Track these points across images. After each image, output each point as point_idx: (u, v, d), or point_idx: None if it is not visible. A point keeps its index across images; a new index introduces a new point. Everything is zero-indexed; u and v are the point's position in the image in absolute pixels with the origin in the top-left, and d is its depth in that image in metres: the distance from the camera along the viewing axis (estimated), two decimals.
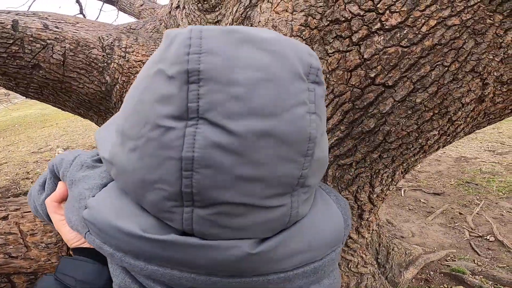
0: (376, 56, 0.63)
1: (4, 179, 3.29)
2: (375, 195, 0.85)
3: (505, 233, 2.09)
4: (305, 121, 0.30)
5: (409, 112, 0.66)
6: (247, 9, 0.92)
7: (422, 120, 0.66)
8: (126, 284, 0.35)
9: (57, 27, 1.07)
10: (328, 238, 0.37)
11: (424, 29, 0.61)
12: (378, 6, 0.65)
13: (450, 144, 0.78)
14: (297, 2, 0.79)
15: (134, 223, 0.33)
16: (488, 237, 2.06)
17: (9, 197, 2.57)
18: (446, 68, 0.60)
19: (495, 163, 3.20)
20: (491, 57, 0.60)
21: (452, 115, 0.65)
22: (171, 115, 0.28)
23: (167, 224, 0.33)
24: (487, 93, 0.62)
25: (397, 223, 2.27)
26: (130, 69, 1.06)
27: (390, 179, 0.83)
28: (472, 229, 2.16)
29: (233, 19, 0.96)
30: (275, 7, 0.83)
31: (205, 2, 1.04)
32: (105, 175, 0.40)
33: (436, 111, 0.64)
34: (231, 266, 0.32)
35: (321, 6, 0.76)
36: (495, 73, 0.61)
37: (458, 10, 0.59)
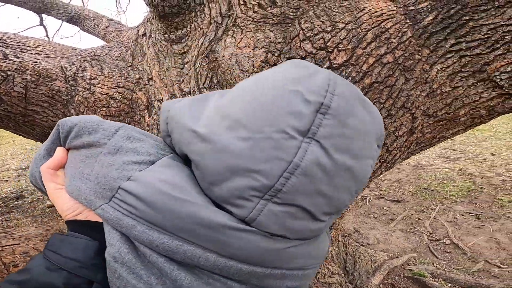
0: None
1: None
2: None
3: (459, 236, 2.32)
4: (368, 170, 0.41)
5: None
6: (212, 43, 1.01)
7: None
8: (121, 255, 0.37)
9: (17, 56, 1.07)
10: (321, 252, 0.45)
11: (364, 67, 0.74)
12: (328, 44, 0.77)
13: (390, 169, 0.92)
14: (258, 38, 0.90)
15: (197, 204, 0.37)
16: (444, 241, 2.27)
17: None
18: (382, 104, 0.73)
19: (448, 169, 3.56)
20: (418, 92, 0.74)
21: (389, 146, 0.78)
22: (297, 128, 0.35)
23: (222, 210, 0.38)
24: (416, 125, 0.76)
25: (364, 231, 2.43)
26: (96, 103, 1.08)
27: None
28: (430, 233, 2.38)
29: (198, 51, 1.04)
30: (238, 42, 0.93)
31: (171, 33, 1.10)
32: (153, 152, 0.42)
33: None
34: (265, 254, 0.38)
35: (280, 43, 0.87)
36: (422, 108, 0.75)
37: (393, 47, 0.73)
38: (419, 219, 2.61)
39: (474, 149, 4.31)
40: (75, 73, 1.10)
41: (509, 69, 0.66)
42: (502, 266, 1.96)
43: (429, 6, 0.74)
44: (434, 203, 2.82)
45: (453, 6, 0.71)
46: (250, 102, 0.38)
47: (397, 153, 0.82)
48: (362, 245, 2.19)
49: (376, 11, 0.78)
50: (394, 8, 0.79)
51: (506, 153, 4.12)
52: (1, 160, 5.35)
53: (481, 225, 2.47)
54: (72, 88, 1.06)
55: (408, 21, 0.75)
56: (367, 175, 0.41)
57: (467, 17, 0.69)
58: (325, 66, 0.75)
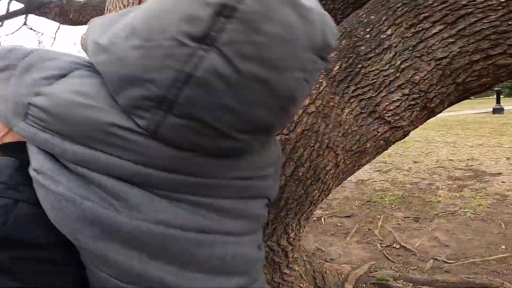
0: None
1: None
2: (291, 239, 1.15)
3: (405, 239, 2.65)
4: (297, 84, 0.37)
5: (297, 182, 1.00)
6: None
7: (306, 186, 1.01)
8: (43, 167, 0.38)
9: None
10: (268, 160, 0.47)
11: (296, 117, 0.97)
12: None
13: (328, 195, 1.16)
14: None
15: (104, 110, 0.37)
16: (394, 245, 2.59)
17: None
18: (312, 147, 0.96)
19: (384, 180, 4.10)
20: (336, 133, 0.99)
21: (322, 178, 1.01)
22: (190, 34, 0.32)
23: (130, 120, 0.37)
24: (339, 160, 1.01)
25: (325, 248, 2.65)
26: None
27: (298, 226, 1.15)
28: (381, 241, 2.69)
29: None
30: None
31: None
32: (65, 67, 0.42)
33: (312, 178, 1.00)
34: (179, 162, 0.39)
35: None
36: (341, 145, 1.00)
37: (314, 97, 0.98)
38: (369, 229, 2.93)
39: (400, 159, 5.05)
40: None
41: (392, 107, 0.95)
42: (449, 261, 2.27)
43: (335, 56, 1.01)
44: (378, 213, 3.21)
45: (350, 55, 0.99)
46: (150, 9, 0.36)
47: (331, 183, 1.06)
48: (326, 261, 2.38)
49: None
50: None
51: (425, 159, 4.92)
52: None
53: (421, 227, 2.87)
54: None
55: (322, 71, 1.01)
56: (296, 90, 0.37)
57: (360, 65, 0.97)
58: None
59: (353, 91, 0.97)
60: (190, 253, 0.41)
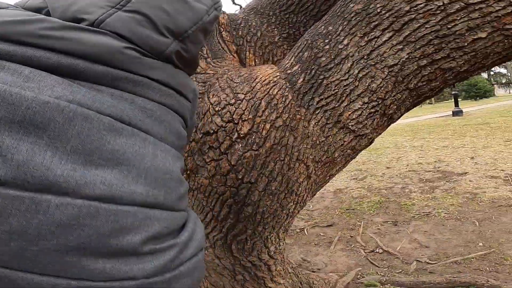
0: (239, 162, 0.96)
1: None
2: (272, 252, 1.13)
3: (387, 243, 2.70)
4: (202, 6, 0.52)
5: (271, 196, 0.99)
6: None
7: (280, 200, 1.01)
8: None
9: None
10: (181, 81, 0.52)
11: (264, 133, 0.98)
12: (233, 116, 0.99)
13: (304, 206, 1.17)
14: None
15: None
16: (377, 250, 2.62)
17: None
18: (283, 161, 0.97)
19: (360, 188, 4.20)
20: (305, 146, 1.01)
21: (296, 191, 1.02)
22: None
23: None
24: (310, 171, 1.03)
25: (311, 259, 2.63)
26: None
27: (277, 239, 1.14)
28: (364, 247, 2.72)
29: None
30: None
31: None
32: None
33: (286, 192, 1.01)
34: (116, 55, 0.40)
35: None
36: (310, 157, 1.02)
37: (280, 111, 0.99)
38: (351, 236, 2.96)
39: (374, 166, 5.22)
40: None
41: (354, 116, 0.99)
42: (431, 262, 2.32)
43: (299, 69, 1.04)
44: (358, 220, 3.26)
45: (312, 67, 1.02)
46: None
47: (304, 194, 1.07)
48: (313, 271, 2.35)
49: (265, 79, 1.06)
50: (277, 74, 1.08)
51: (397, 164, 5.13)
52: None
53: (400, 230, 2.95)
54: None
55: (288, 84, 1.04)
56: (202, 8, 0.49)
57: (322, 77, 1.01)
58: (234, 137, 0.97)
59: (318, 102, 1.00)
60: (104, 139, 0.36)
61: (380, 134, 1.10)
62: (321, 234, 3.10)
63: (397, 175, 4.48)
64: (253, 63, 1.39)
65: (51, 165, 0.32)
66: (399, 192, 3.83)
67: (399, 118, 1.06)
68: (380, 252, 2.60)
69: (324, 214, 3.60)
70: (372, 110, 0.98)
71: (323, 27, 1.06)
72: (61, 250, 0.32)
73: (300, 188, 1.03)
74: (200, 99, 1.09)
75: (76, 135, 0.34)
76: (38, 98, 0.33)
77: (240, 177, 0.98)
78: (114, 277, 0.35)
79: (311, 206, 4.03)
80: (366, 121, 0.99)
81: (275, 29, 1.43)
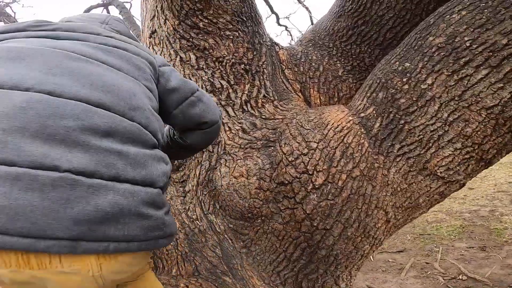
0: (314, 210, 0.93)
1: None
2: None
3: (473, 270, 2.39)
4: None
5: (346, 241, 0.95)
6: (208, 172, 1.20)
7: (356, 243, 0.95)
8: None
9: None
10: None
11: (340, 183, 0.94)
12: (308, 167, 0.97)
13: (380, 246, 1.09)
14: (249, 166, 1.10)
15: None
16: (460, 277, 2.33)
17: None
18: (360, 209, 0.92)
19: (437, 211, 3.77)
20: (384, 193, 0.94)
21: (373, 234, 0.95)
22: None
23: None
24: (390, 216, 0.95)
25: (378, 286, 2.44)
26: None
27: (349, 276, 1.07)
28: (443, 273, 2.43)
29: (197, 181, 1.21)
30: (232, 172, 1.12)
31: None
32: None
33: (362, 236, 0.95)
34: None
35: (268, 169, 1.07)
36: (390, 203, 0.94)
37: (357, 160, 0.94)
38: (427, 263, 2.68)
39: None
40: None
41: (444, 163, 0.88)
42: None
43: (374, 112, 0.98)
44: (435, 245, 2.92)
45: (390, 110, 0.94)
46: None
47: (381, 236, 0.99)
48: None
49: (338, 125, 1.02)
50: (350, 118, 1.03)
51: (482, 184, 4.48)
52: None
53: (489, 256, 2.58)
54: None
55: (362, 129, 0.98)
56: None
57: (402, 121, 0.93)
58: (309, 188, 0.95)
59: (398, 149, 0.92)
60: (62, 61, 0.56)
61: (474, 177, 0.96)
62: (390, 260, 2.86)
63: (482, 197, 3.92)
64: (318, 101, 1.35)
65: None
66: (486, 215, 3.34)
67: (498, 160, 0.92)
68: (463, 279, 2.31)
69: (393, 240, 3.32)
70: (467, 156, 0.86)
71: (397, 63, 0.98)
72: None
73: (377, 232, 0.96)
74: (272, 148, 1.10)
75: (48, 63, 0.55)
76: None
77: (315, 224, 0.95)
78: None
79: None
80: (458, 168, 0.88)
81: (338, 62, 1.37)
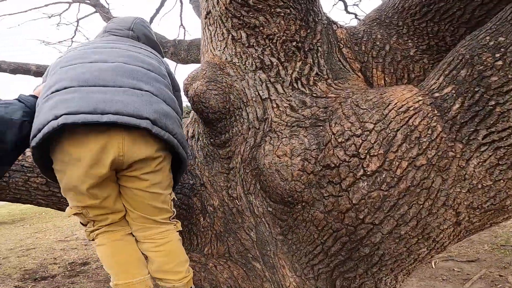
0: (362, 201, 0.78)
1: (32, 262, 3.47)
2: None
3: None
4: None
5: (397, 240, 0.77)
6: (253, 149, 1.12)
7: (409, 244, 0.77)
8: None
9: None
10: None
11: (398, 172, 0.76)
12: (359, 150, 0.82)
13: (443, 252, 0.87)
14: (294, 145, 0.99)
15: None
16: None
17: (37, 279, 2.77)
18: (421, 205, 0.73)
19: None
20: (458, 190, 0.73)
21: (434, 237, 0.76)
22: None
23: None
24: (462, 218, 0.74)
25: None
26: None
27: (394, 281, 0.89)
28: None
29: (242, 158, 1.15)
30: (276, 150, 1.02)
31: (216, 138, 1.24)
32: None
33: (420, 237, 0.76)
34: None
35: (314, 150, 0.95)
36: (465, 203, 0.74)
37: (424, 147, 0.76)
38: (500, 275, 2.26)
39: None
40: None
41: None
42: None
43: (453, 91, 0.77)
44: None
45: (476, 89, 0.73)
46: None
47: (446, 241, 0.78)
48: None
49: (402, 106, 0.83)
50: (420, 98, 0.83)
51: None
52: (71, 230, 5.97)
53: None
54: None
55: (436, 111, 0.78)
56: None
57: (493, 102, 0.70)
58: (359, 174, 0.80)
59: (485, 136, 0.70)
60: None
61: None
62: (455, 269, 2.47)
63: None
64: (383, 83, 1.15)
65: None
66: None
67: None
68: None
69: (465, 248, 2.86)
70: None
71: (488, 37, 0.75)
72: None
73: (441, 235, 0.77)
74: (321, 127, 0.96)
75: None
76: None
77: (361, 217, 0.80)
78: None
79: None
80: None
81: (409, 41, 1.14)
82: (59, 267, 3.29)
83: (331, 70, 1.15)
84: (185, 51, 3.73)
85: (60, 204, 1.25)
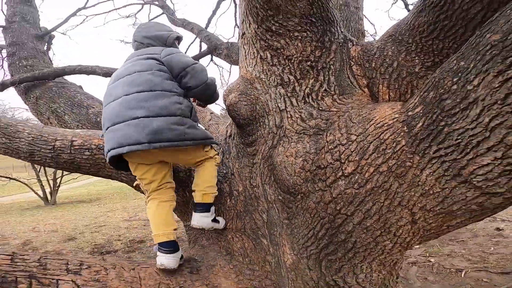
0: (340, 196, 1.04)
1: (101, 238, 4.31)
2: (360, 280, 1.14)
3: None
4: None
5: (365, 231, 1.01)
6: (270, 149, 1.44)
7: (375, 236, 1.01)
8: None
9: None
10: None
11: (367, 175, 1.00)
12: (341, 156, 1.08)
13: (409, 249, 1.06)
14: (298, 149, 1.28)
15: None
16: None
17: (103, 253, 3.43)
18: (382, 203, 0.96)
19: None
20: (413, 193, 0.94)
21: (394, 231, 0.98)
22: None
23: None
24: (417, 218, 0.95)
25: None
26: None
27: (369, 269, 1.13)
28: None
29: (262, 155, 1.48)
30: (285, 152, 1.33)
31: (246, 138, 1.59)
32: None
33: (382, 230, 0.99)
34: None
35: (312, 153, 1.22)
36: (419, 204, 0.94)
37: (387, 157, 0.98)
38: None
39: None
40: None
41: (481, 172, 0.82)
42: None
43: (421, 111, 0.96)
44: None
45: (435, 110, 0.91)
46: None
47: (407, 237, 0.99)
48: None
49: (380, 122, 1.06)
50: (396, 116, 1.05)
51: None
52: (135, 212, 7.06)
53: None
54: None
55: (405, 128, 0.99)
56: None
57: (443, 123, 0.88)
58: (339, 174, 1.06)
59: (435, 151, 0.90)
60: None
61: None
62: (484, 279, 2.41)
63: None
64: (387, 97, 1.34)
65: None
66: None
67: None
68: None
69: (506, 261, 2.69)
70: (509, 168, 0.77)
71: (455, 61, 0.92)
72: None
73: (400, 230, 0.99)
74: (320, 136, 1.23)
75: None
76: None
77: (338, 208, 1.07)
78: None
79: (492, 249, 3.10)
80: (499, 180, 0.80)
81: (416, 58, 1.30)
82: (121, 243, 3.96)
83: (339, 86, 1.39)
84: (236, 54, 4.16)
85: (132, 181, 1.75)
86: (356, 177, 1.02)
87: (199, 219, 1.43)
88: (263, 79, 1.52)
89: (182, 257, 1.41)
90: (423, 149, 0.92)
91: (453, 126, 0.86)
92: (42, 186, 9.80)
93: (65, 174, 10.48)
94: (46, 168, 10.15)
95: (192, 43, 5.65)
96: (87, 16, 5.55)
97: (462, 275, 2.59)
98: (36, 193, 9.30)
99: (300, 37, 1.41)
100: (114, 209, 8.10)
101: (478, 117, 0.81)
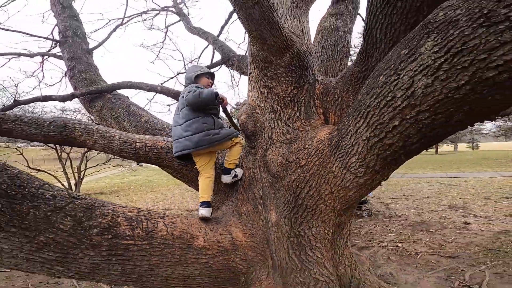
0: (298, 177, 2.18)
1: None
2: (314, 231, 2.25)
3: (494, 285, 2.70)
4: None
5: (309, 197, 2.14)
6: (265, 151, 2.59)
7: (315, 200, 2.13)
8: None
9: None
10: None
11: (310, 166, 2.13)
12: (298, 157, 2.21)
13: (334, 211, 2.19)
14: (279, 151, 2.42)
15: None
16: (473, 287, 2.80)
17: None
18: (317, 181, 2.10)
19: None
20: (330, 176, 2.05)
21: (324, 197, 2.10)
22: None
23: None
24: (333, 190, 2.05)
25: (398, 275, 3.14)
26: None
27: (317, 225, 2.23)
28: (464, 281, 2.91)
29: (260, 155, 2.63)
30: (273, 153, 2.48)
31: (251, 144, 2.75)
32: None
33: (318, 197, 2.11)
34: None
35: (286, 154, 2.36)
36: (333, 182, 2.04)
37: (318, 157, 2.10)
38: (462, 270, 3.06)
39: None
40: None
41: (352, 164, 1.92)
42: None
43: (335, 134, 2.05)
44: (491, 259, 3.21)
45: (338, 135, 2.02)
46: None
47: (332, 201, 2.11)
48: (387, 283, 2.94)
49: (319, 138, 2.17)
50: (327, 135, 2.15)
51: None
52: (153, 202, 8.40)
53: None
54: None
55: (329, 142, 2.09)
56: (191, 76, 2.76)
57: (341, 140, 1.99)
58: (295, 167, 2.21)
59: (338, 154, 2.01)
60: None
61: (383, 176, 1.91)
62: (433, 261, 3.36)
63: None
64: (333, 121, 2.45)
65: None
66: None
67: (387, 171, 1.85)
68: None
69: (458, 248, 3.63)
70: (361, 163, 1.87)
71: (350, 110, 2.03)
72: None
73: (327, 197, 2.10)
74: (292, 144, 2.37)
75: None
76: None
77: (297, 184, 2.20)
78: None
79: (452, 238, 4.04)
80: (359, 170, 1.89)
81: (351, 95, 2.39)
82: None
83: (306, 113, 2.51)
84: (246, 67, 5.22)
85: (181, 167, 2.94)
86: (305, 167, 2.14)
87: (225, 179, 2.70)
88: (262, 107, 2.66)
89: (212, 212, 2.59)
90: (334, 153, 2.03)
91: (344, 142, 1.97)
92: (67, 178, 11.37)
93: (88, 167, 12.01)
94: (72, 160, 11.75)
95: (205, 48, 6.83)
96: (117, 26, 6.76)
97: (418, 258, 3.58)
98: (63, 184, 10.72)
99: (284, 81, 2.53)
100: (134, 200, 9.53)
101: (354, 140, 1.91)
